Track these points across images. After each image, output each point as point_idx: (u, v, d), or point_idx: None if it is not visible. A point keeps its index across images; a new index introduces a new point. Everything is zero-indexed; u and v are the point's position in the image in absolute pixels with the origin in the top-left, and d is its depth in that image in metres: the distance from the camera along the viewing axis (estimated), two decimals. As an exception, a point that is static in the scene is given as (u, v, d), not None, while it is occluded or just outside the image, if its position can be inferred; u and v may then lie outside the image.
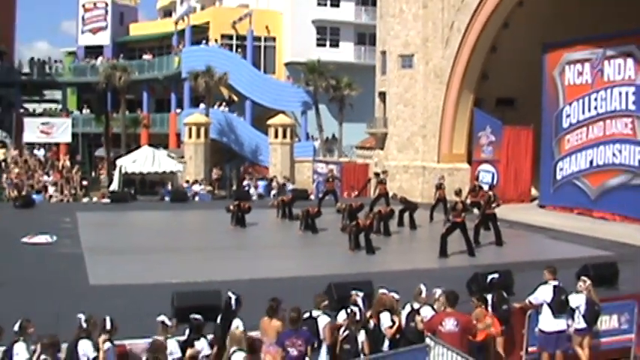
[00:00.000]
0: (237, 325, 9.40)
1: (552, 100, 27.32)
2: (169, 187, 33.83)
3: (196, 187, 33.76)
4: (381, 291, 10.66)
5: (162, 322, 9.20)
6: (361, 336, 9.68)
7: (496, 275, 12.21)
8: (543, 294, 11.11)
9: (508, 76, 29.49)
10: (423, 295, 10.50)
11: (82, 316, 8.90)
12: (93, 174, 45.82)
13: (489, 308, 10.89)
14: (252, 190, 33.86)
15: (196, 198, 32.26)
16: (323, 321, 9.81)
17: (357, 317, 9.90)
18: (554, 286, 11.11)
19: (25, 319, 8.84)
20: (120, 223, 23.95)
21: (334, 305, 10.72)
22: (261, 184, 35.99)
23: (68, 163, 39.27)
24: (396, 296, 10.51)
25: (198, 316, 9.51)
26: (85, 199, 33.61)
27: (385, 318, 10.11)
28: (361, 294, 10.66)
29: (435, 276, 14.21)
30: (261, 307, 9.96)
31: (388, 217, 20.75)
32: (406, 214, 22.32)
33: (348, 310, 9.97)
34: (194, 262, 16.69)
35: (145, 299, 12.33)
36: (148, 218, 25.67)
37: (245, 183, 36.79)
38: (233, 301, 9.85)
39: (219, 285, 12.29)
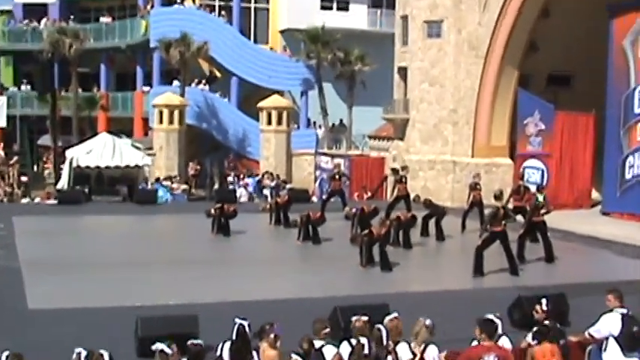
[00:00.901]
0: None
1: (621, 78, 27.23)
2: (147, 184, 33.84)
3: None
4: (389, 317, 10.59)
5: (162, 351, 9.32)
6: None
7: (545, 300, 12.14)
8: (608, 325, 11.03)
9: (563, 47, 29.51)
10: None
11: (81, 351, 9.08)
12: (35, 168, 45.86)
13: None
14: (238, 190, 33.89)
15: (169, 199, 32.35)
16: (330, 352, 9.75)
17: (366, 351, 9.84)
18: (623, 315, 11.04)
19: (13, 353, 8.84)
20: (69, 231, 23.95)
21: (341, 335, 10.66)
22: (250, 182, 36.01)
23: (2, 154, 39.28)
24: (427, 322, 10.37)
25: (197, 342, 9.67)
26: (25, 200, 33.64)
27: (403, 350, 10.06)
28: (365, 318, 10.53)
29: (467, 299, 14.17)
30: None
31: (409, 224, 20.81)
32: (432, 222, 22.34)
33: (353, 342, 9.91)
34: (164, 280, 16.69)
35: (101, 327, 12.27)
36: (105, 224, 25.74)
37: (230, 181, 36.81)
38: (247, 327, 9.90)
39: (195, 309, 12.30)
